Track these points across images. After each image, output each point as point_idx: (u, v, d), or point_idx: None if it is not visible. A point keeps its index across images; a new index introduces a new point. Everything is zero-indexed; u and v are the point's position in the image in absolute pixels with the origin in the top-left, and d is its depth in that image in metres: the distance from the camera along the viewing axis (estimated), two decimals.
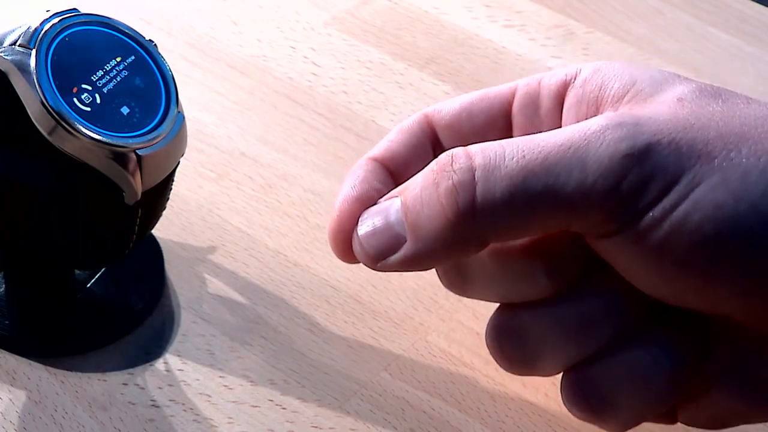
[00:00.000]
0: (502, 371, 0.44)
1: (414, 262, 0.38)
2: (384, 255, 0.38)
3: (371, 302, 0.47)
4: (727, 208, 0.34)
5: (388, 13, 0.61)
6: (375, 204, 0.39)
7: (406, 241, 0.37)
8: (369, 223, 0.39)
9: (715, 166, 0.35)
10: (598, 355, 0.38)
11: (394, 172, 0.41)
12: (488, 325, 0.39)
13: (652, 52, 0.59)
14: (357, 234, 0.39)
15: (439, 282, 0.47)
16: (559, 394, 0.43)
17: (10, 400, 0.42)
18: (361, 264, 0.48)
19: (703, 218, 0.34)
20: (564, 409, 0.43)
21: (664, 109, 0.36)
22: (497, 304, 0.40)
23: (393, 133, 0.42)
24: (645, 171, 0.35)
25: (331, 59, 0.58)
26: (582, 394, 0.38)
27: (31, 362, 0.44)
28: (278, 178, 0.51)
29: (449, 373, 0.44)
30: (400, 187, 0.39)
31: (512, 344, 0.38)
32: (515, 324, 0.38)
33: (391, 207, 0.38)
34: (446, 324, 0.46)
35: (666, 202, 0.35)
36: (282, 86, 0.56)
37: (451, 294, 0.47)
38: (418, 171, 0.38)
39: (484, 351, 0.45)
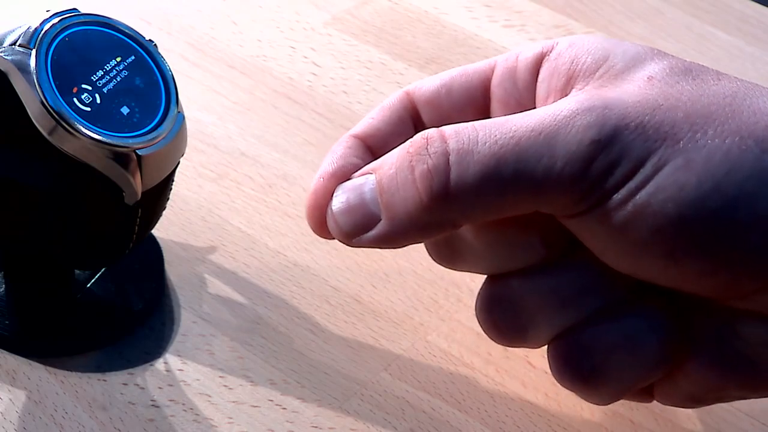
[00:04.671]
0: (502, 371, 0.44)
1: (388, 241, 0.38)
2: (358, 232, 0.39)
3: (371, 302, 0.47)
4: (690, 189, 0.35)
5: (388, 13, 0.61)
6: (349, 179, 0.40)
7: (380, 220, 0.38)
8: (343, 198, 0.39)
9: (680, 148, 0.35)
10: (590, 323, 0.38)
11: (375, 148, 0.42)
12: (478, 297, 0.39)
13: None
14: (331, 209, 0.39)
15: (440, 282, 0.47)
16: (559, 394, 0.43)
17: (10, 400, 0.42)
18: (360, 263, 0.48)
19: (666, 199, 0.35)
20: (564, 409, 0.43)
21: (633, 88, 0.37)
22: None
23: (375, 110, 0.43)
24: (612, 156, 0.35)
25: (331, 59, 0.58)
26: (574, 361, 0.38)
27: (31, 362, 0.44)
28: (278, 178, 0.51)
29: (449, 373, 0.44)
30: (374, 163, 0.39)
31: (505, 313, 0.39)
32: (507, 293, 0.39)
33: (366, 184, 0.39)
34: (446, 324, 0.46)
35: (631, 184, 0.35)
36: (282, 86, 0.56)
37: (451, 294, 0.47)
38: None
39: (484, 351, 0.45)
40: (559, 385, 0.43)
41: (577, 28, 0.61)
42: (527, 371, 0.44)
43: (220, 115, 0.54)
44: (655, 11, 0.62)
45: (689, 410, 0.43)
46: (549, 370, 0.44)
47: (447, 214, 0.37)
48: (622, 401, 0.43)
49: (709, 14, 0.62)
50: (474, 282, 0.47)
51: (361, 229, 0.38)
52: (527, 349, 0.45)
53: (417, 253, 0.48)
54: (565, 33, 0.60)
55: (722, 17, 0.62)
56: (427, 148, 0.37)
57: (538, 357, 0.44)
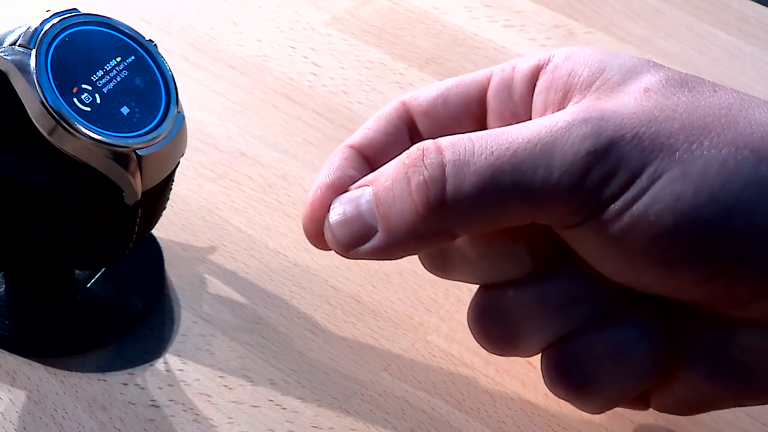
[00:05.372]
0: (502, 371, 0.44)
1: (385, 252, 0.38)
2: (355, 244, 0.39)
3: (371, 302, 0.47)
4: (686, 200, 0.35)
5: (388, 13, 0.61)
6: (347, 191, 0.40)
7: (377, 232, 0.38)
8: (340, 210, 0.39)
9: (677, 159, 0.35)
10: (581, 332, 0.38)
11: (371, 158, 0.42)
12: (470, 306, 0.40)
13: (652, 52, 0.59)
14: (328, 221, 0.39)
15: (440, 282, 0.47)
16: None
17: (10, 400, 0.42)
18: (360, 263, 0.48)
19: (662, 209, 0.35)
20: (564, 409, 0.43)
21: (629, 100, 0.37)
22: None
23: (371, 120, 0.43)
24: (608, 166, 0.35)
25: (331, 59, 0.58)
26: (565, 370, 0.39)
27: (31, 362, 0.44)
28: (278, 178, 0.51)
29: (449, 373, 0.44)
30: (371, 175, 0.39)
31: (496, 323, 0.39)
32: (498, 303, 0.39)
33: (363, 196, 0.39)
34: (446, 324, 0.46)
35: (627, 195, 0.35)
36: (282, 86, 0.56)
37: (451, 294, 0.47)
38: (394, 158, 0.39)
39: (484, 351, 0.45)
40: None
41: (577, 28, 0.61)
42: (527, 371, 0.44)
43: (220, 115, 0.54)
44: (655, 11, 0.62)
45: None
46: None
47: (443, 225, 0.37)
48: None
49: (709, 14, 0.62)
50: None
51: (358, 240, 0.39)
52: None
53: None
54: (565, 33, 0.60)
55: (722, 17, 0.62)
56: (423, 160, 0.37)
57: (538, 357, 0.44)
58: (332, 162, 0.41)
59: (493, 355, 0.44)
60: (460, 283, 0.47)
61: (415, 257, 0.48)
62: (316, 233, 0.40)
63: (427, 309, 0.46)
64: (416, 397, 0.43)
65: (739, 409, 0.43)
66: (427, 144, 0.38)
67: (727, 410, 0.43)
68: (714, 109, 0.36)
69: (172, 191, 0.44)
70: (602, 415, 0.43)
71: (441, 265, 0.40)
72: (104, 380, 0.43)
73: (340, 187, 0.40)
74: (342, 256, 0.39)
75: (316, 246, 0.40)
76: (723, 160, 0.35)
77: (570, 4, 0.62)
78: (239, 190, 0.51)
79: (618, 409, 0.43)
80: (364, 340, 0.45)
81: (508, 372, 0.44)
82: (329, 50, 0.59)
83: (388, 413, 0.43)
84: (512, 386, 0.44)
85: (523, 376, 0.44)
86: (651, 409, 0.43)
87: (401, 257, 0.39)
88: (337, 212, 0.39)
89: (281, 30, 0.60)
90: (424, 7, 0.62)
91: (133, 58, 0.41)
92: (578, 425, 0.42)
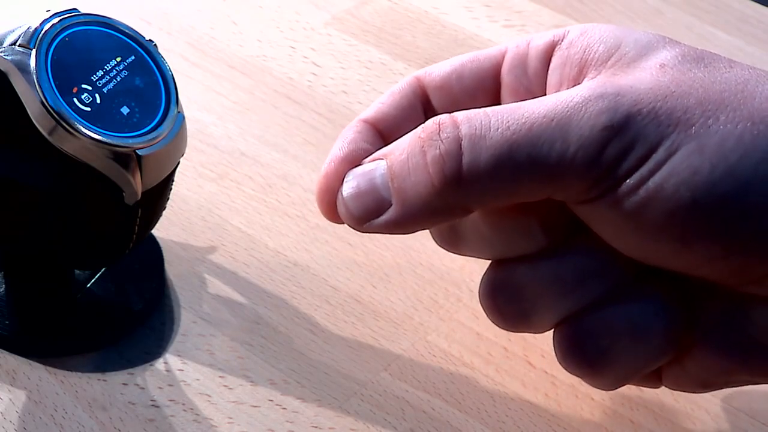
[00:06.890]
0: (502, 371, 0.44)
1: (398, 226, 0.38)
2: (369, 217, 0.39)
3: (371, 302, 0.47)
4: (703, 174, 0.35)
5: (388, 13, 0.61)
6: (360, 164, 0.39)
7: (391, 205, 0.38)
8: (353, 184, 0.39)
9: (693, 133, 0.35)
10: (595, 308, 0.38)
11: (385, 133, 0.41)
12: (482, 282, 0.39)
13: None
14: (342, 194, 0.39)
15: (440, 282, 0.47)
16: (559, 394, 0.43)
17: (10, 400, 0.42)
18: (360, 263, 0.48)
19: (679, 183, 0.35)
20: (564, 409, 0.43)
21: (645, 76, 0.37)
22: None
23: (385, 95, 0.43)
24: (624, 141, 0.35)
25: (331, 59, 0.58)
26: (578, 346, 0.38)
27: (31, 362, 0.44)
28: (278, 178, 0.51)
29: (449, 373, 0.44)
30: (385, 149, 0.39)
31: (508, 299, 0.39)
32: (510, 279, 0.39)
33: (377, 170, 0.39)
34: (446, 324, 0.46)
35: (644, 169, 0.35)
36: (282, 86, 0.56)
37: (451, 294, 0.47)
38: (408, 132, 0.39)
39: (484, 351, 0.45)
40: (558, 385, 0.43)
41: None
42: (527, 371, 0.44)
43: (220, 115, 0.54)
44: (655, 11, 0.62)
45: (689, 410, 0.43)
46: (548, 370, 0.44)
47: (458, 199, 0.37)
48: (623, 400, 0.43)
49: (709, 14, 0.62)
50: (474, 282, 0.47)
51: (372, 214, 0.38)
52: (527, 349, 0.45)
53: (417, 252, 0.48)
54: None
55: (722, 17, 0.62)
56: (439, 134, 0.37)
57: (538, 357, 0.44)
58: (346, 135, 0.41)
59: (493, 355, 0.44)
60: (460, 283, 0.47)
61: (416, 258, 0.48)
62: (330, 206, 0.40)
63: (427, 309, 0.46)
64: (416, 397, 0.43)
65: (738, 408, 0.43)
66: (443, 118, 0.37)
67: (727, 410, 0.43)
68: (730, 84, 0.36)
69: (172, 191, 0.44)
70: (602, 414, 0.43)
71: (452, 240, 0.40)
72: (104, 380, 0.43)
73: (354, 160, 0.40)
74: (355, 229, 0.39)
75: (329, 219, 0.40)
76: (739, 135, 0.35)
77: (570, 4, 0.62)
78: (239, 190, 0.51)
79: (618, 409, 0.43)
80: (364, 340, 0.45)
81: (508, 372, 0.44)
82: (329, 50, 0.59)
83: (388, 413, 0.43)
84: (512, 386, 0.44)
85: (523, 376, 0.44)
86: (652, 408, 0.43)
87: (414, 231, 0.39)
88: (350, 185, 0.39)
89: (281, 30, 0.60)
90: (424, 7, 0.62)
91: (133, 58, 0.41)
92: (578, 425, 0.42)
